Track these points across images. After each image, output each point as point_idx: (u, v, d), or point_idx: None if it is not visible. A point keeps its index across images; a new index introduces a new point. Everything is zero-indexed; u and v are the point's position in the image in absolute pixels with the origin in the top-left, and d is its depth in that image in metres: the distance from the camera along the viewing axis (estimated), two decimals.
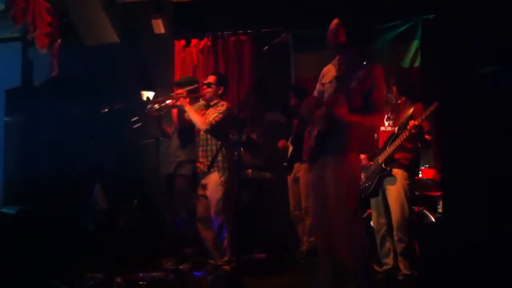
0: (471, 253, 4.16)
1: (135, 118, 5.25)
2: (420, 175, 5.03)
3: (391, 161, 4.38)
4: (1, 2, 5.69)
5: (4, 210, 4.82)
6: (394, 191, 4.35)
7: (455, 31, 5.44)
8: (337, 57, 3.80)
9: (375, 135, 4.45)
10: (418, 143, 4.41)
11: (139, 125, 5.27)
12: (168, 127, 5.50)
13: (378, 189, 4.47)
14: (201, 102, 5.24)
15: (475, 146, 5.06)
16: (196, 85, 5.28)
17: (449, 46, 5.55)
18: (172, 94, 5.18)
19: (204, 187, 4.94)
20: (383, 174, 4.41)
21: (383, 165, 4.40)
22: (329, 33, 3.68)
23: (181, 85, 5.39)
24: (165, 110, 5.30)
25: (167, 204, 5.43)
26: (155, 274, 5.03)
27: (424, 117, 4.21)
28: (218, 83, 5.05)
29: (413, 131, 4.19)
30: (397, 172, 4.38)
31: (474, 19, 5.26)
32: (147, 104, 5.17)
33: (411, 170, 4.44)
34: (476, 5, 5.23)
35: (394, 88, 4.53)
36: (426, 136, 4.33)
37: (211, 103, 5.05)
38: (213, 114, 4.88)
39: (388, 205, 4.42)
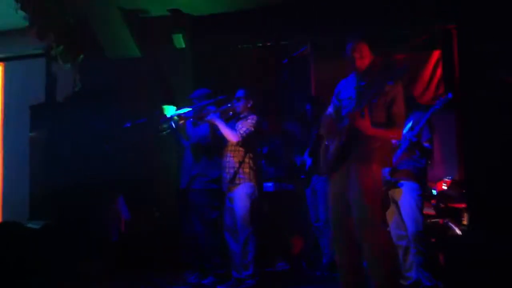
0: (497, 265, 4.11)
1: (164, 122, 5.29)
2: (445, 187, 4.99)
3: (396, 172, 4.30)
4: (25, 18, 5.79)
5: (30, 225, 4.88)
6: (406, 204, 4.30)
7: (478, 39, 5.41)
8: (354, 72, 3.86)
9: None
10: (416, 152, 4.34)
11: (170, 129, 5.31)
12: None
13: (388, 202, 4.41)
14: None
15: (502, 156, 5.01)
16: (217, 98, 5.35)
17: (472, 53, 5.52)
18: (203, 108, 5.23)
19: (231, 199, 4.97)
20: (390, 186, 4.37)
21: (388, 177, 4.34)
22: (354, 56, 3.73)
23: (196, 98, 5.45)
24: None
25: (183, 217, 5.46)
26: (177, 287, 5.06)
27: (422, 126, 4.16)
28: (248, 97, 5.12)
29: (412, 140, 4.17)
30: (406, 184, 4.31)
31: (497, 27, 5.23)
32: (177, 119, 5.24)
33: (420, 179, 4.36)
34: (499, 12, 5.20)
35: None
36: (425, 144, 4.29)
37: (241, 116, 5.11)
38: (244, 127, 4.95)
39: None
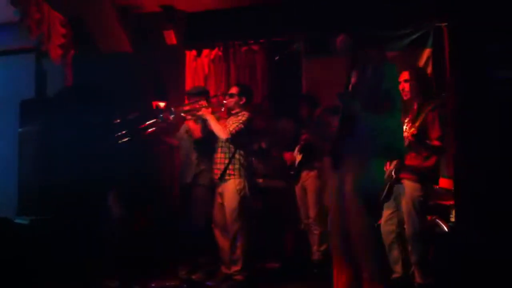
0: (485, 261, 4.14)
1: (120, 133, 5.32)
2: None
3: (401, 168, 4.32)
4: (15, 13, 5.76)
5: (18, 220, 4.87)
6: (404, 203, 4.31)
7: (469, 36, 5.43)
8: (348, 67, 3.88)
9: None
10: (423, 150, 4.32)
11: (127, 140, 5.34)
12: (172, 139, 5.61)
13: (390, 195, 4.43)
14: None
15: (490, 153, 5.04)
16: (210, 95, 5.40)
17: (463, 51, 5.54)
18: (195, 103, 5.26)
19: (221, 195, 4.99)
20: (393, 182, 4.37)
21: (392, 173, 4.36)
22: (341, 50, 3.76)
23: (192, 95, 5.48)
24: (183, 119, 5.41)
25: (183, 213, 5.45)
26: (168, 283, 5.06)
27: (418, 125, 4.16)
28: (240, 93, 5.15)
29: (410, 138, 4.16)
30: (408, 183, 4.31)
31: (487, 24, 5.24)
32: (169, 113, 5.27)
33: (425, 179, 4.34)
34: (489, 9, 5.22)
35: (413, 89, 4.46)
36: (435, 142, 4.27)
37: (232, 112, 5.13)
38: (234, 124, 4.96)
39: (400, 213, 4.39)
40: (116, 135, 5.33)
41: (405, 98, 4.45)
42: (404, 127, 4.40)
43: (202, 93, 5.45)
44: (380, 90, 3.61)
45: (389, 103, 3.66)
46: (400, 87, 4.37)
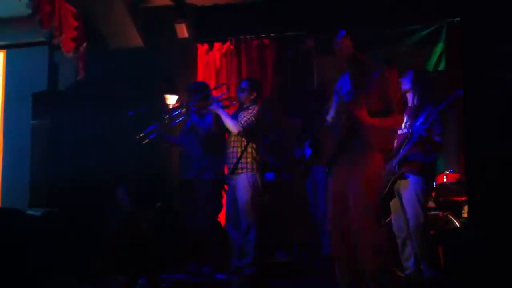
0: (497, 257, 4.11)
1: (146, 132, 5.31)
2: (445, 180, 4.99)
3: (404, 164, 4.35)
4: (27, 6, 5.78)
5: (30, 211, 4.88)
6: (408, 197, 4.33)
7: (482, 34, 5.39)
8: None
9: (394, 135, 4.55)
10: (426, 147, 4.36)
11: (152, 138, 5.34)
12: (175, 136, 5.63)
13: (392, 192, 4.44)
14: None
15: (501, 150, 5.01)
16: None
17: (475, 49, 5.51)
18: (206, 97, 5.28)
19: (234, 188, 5.00)
20: (396, 177, 4.39)
21: (396, 168, 4.38)
22: (339, 49, 3.79)
23: (191, 91, 5.47)
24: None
25: (187, 208, 5.46)
26: (178, 276, 5.07)
27: (432, 120, 4.20)
28: (251, 88, 5.15)
29: (422, 134, 4.21)
30: (411, 177, 4.35)
31: (501, 22, 5.21)
32: (180, 108, 5.29)
33: (426, 173, 4.39)
34: (503, 7, 5.18)
35: (413, 92, 4.49)
36: (436, 139, 4.29)
37: (244, 106, 5.15)
38: (245, 117, 4.98)
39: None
40: (144, 131, 5.30)
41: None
42: (403, 124, 4.43)
43: (202, 89, 5.44)
44: (389, 96, 3.73)
45: (394, 105, 3.74)
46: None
